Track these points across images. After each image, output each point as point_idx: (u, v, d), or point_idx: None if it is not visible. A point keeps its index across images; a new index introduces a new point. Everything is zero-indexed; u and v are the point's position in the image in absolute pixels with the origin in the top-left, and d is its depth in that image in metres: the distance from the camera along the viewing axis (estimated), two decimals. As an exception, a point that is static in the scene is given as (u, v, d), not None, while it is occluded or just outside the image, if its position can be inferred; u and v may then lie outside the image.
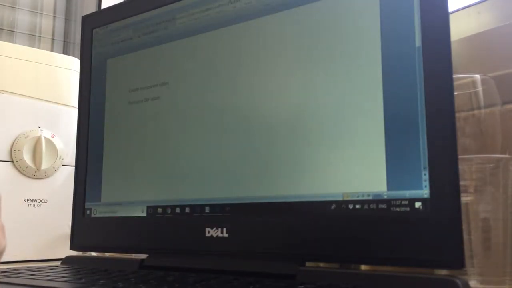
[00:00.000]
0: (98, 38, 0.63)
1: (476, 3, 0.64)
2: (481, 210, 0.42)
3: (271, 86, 0.48)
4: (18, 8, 1.28)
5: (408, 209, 0.39)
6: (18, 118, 0.78)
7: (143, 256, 0.53)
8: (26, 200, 0.76)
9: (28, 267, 0.55)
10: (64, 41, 1.34)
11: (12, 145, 0.76)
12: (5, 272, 0.50)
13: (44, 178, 0.79)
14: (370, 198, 0.41)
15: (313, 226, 0.43)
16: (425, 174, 0.38)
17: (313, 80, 0.45)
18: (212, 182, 0.50)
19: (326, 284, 0.39)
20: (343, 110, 0.43)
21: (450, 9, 0.40)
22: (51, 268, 0.54)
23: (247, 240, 0.46)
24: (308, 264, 0.43)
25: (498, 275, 0.42)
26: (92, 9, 1.33)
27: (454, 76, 0.38)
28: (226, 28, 0.52)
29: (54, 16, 1.33)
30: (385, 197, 0.40)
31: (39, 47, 1.28)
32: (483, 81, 0.45)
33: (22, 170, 0.76)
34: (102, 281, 0.43)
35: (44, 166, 0.77)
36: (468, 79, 0.46)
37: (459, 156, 0.37)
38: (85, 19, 0.65)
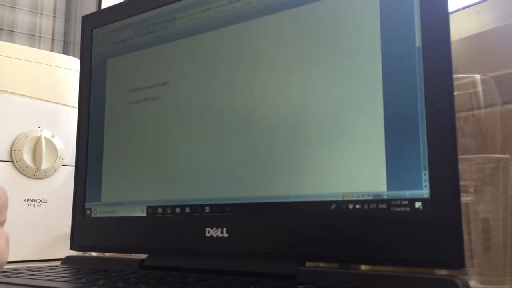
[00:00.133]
0: (98, 38, 0.63)
1: (476, 3, 0.64)
2: (481, 210, 0.42)
3: (271, 86, 0.48)
4: (18, 8, 1.28)
5: (408, 209, 0.39)
6: (18, 118, 0.78)
7: (143, 256, 0.53)
8: (26, 200, 0.76)
9: (28, 267, 0.55)
10: (64, 41, 1.34)
11: (12, 145, 0.76)
12: (5, 272, 0.50)
13: (44, 178, 0.79)
14: (370, 198, 0.41)
15: (313, 226, 0.43)
16: (425, 174, 0.38)
17: (313, 80, 0.45)
18: (212, 182, 0.50)
19: (326, 284, 0.39)
20: (343, 110, 0.43)
21: (450, 9, 0.40)
22: (51, 268, 0.54)
23: (247, 240, 0.46)
24: (308, 264, 0.43)
25: (498, 275, 0.42)
26: (92, 9, 1.33)
27: (454, 76, 0.38)
28: (226, 28, 0.52)
29: (54, 16, 1.33)
30: (385, 197, 0.40)
31: (39, 47, 1.28)
32: (483, 81, 0.45)
33: (22, 170, 0.76)
34: (102, 281, 0.43)
35: (44, 166, 0.77)
36: (468, 79, 0.46)
37: (459, 156, 0.37)
38: (85, 19, 0.65)
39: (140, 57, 0.59)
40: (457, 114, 0.40)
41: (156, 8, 0.58)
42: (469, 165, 0.43)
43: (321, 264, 0.47)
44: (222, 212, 0.49)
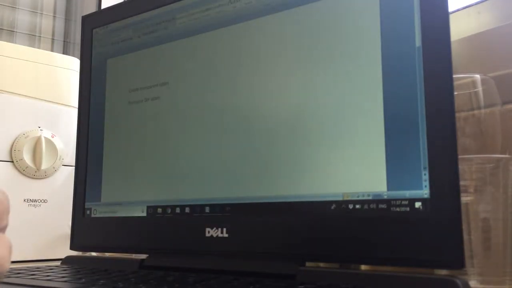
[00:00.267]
0: (98, 38, 0.63)
1: (476, 3, 0.64)
2: (481, 210, 0.42)
3: (271, 86, 0.48)
4: (18, 8, 1.28)
5: (408, 209, 0.39)
6: (18, 118, 0.78)
7: (143, 256, 0.53)
8: (26, 200, 0.76)
9: (28, 267, 0.55)
10: (64, 41, 1.34)
11: (12, 145, 0.76)
12: (5, 272, 0.50)
13: (44, 178, 0.79)
14: (370, 198, 0.41)
15: (313, 226, 0.43)
16: (425, 174, 0.38)
17: (313, 80, 0.45)
18: (212, 182, 0.50)
19: (326, 284, 0.39)
20: (343, 110, 0.43)
21: (450, 9, 0.40)
22: (51, 268, 0.54)
23: (247, 240, 0.46)
24: (308, 264, 0.43)
25: (498, 275, 0.42)
26: (92, 9, 1.33)
27: (454, 76, 0.38)
28: (226, 28, 0.52)
29: (54, 16, 1.33)
30: (385, 197, 0.40)
31: (39, 47, 1.28)
32: (483, 81, 0.45)
33: (22, 170, 0.76)
34: (102, 281, 0.43)
35: (44, 166, 0.77)
36: (468, 79, 0.46)
37: (459, 156, 0.37)
38: (85, 19, 0.65)
39: (140, 57, 0.59)
40: (457, 114, 0.40)
41: (156, 8, 0.58)
42: (469, 165, 0.43)
43: (321, 264, 0.47)
44: (222, 212, 0.49)
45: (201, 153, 0.51)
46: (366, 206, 0.41)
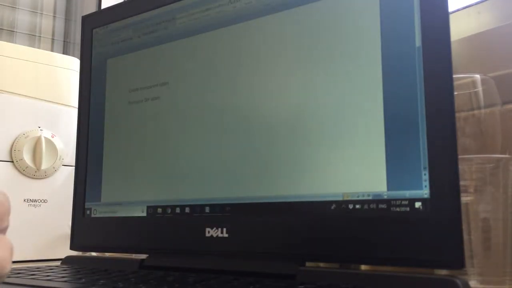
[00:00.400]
0: (98, 38, 0.63)
1: (476, 3, 0.64)
2: (481, 210, 0.42)
3: (271, 86, 0.48)
4: (18, 8, 1.28)
5: (408, 209, 0.39)
6: (18, 118, 0.78)
7: (143, 256, 0.53)
8: (26, 200, 0.77)
9: (28, 267, 0.55)
10: (64, 41, 1.34)
11: (12, 145, 0.76)
12: (5, 272, 0.50)
13: (44, 178, 0.79)
14: (370, 198, 0.41)
15: (313, 226, 0.43)
16: (425, 174, 0.38)
17: (313, 80, 0.45)
18: (212, 182, 0.50)
19: (326, 284, 0.39)
20: (343, 110, 0.43)
21: (450, 9, 0.40)
22: (51, 268, 0.54)
23: (247, 240, 0.46)
24: (308, 264, 0.43)
25: (498, 275, 0.42)
26: (92, 9, 1.33)
27: (454, 76, 0.38)
28: (226, 28, 0.52)
29: (54, 16, 1.33)
30: (385, 197, 0.40)
31: (39, 47, 1.28)
32: (483, 81, 0.45)
33: (22, 170, 0.76)
34: (102, 281, 0.43)
35: (44, 166, 0.77)
36: (468, 79, 0.46)
37: (459, 156, 0.37)
38: (85, 19, 0.65)
39: (140, 57, 0.59)
40: (457, 114, 0.40)
41: (156, 8, 0.58)
42: (469, 165, 0.43)
43: (321, 264, 0.47)
44: (222, 212, 0.49)
45: (201, 153, 0.51)
46: (366, 206, 0.41)
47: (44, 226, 0.77)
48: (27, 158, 0.76)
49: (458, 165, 0.37)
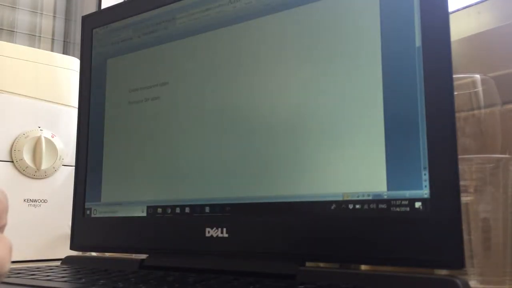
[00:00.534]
0: (98, 38, 0.63)
1: (476, 3, 0.64)
2: (481, 210, 0.42)
3: (271, 86, 0.48)
4: (18, 8, 1.28)
5: (408, 209, 0.39)
6: (18, 118, 0.78)
7: (143, 256, 0.53)
8: (26, 200, 0.76)
9: (28, 267, 0.55)
10: (64, 41, 1.34)
11: (12, 145, 0.76)
12: (5, 272, 0.50)
13: (44, 178, 0.79)
14: (370, 198, 0.41)
15: (313, 226, 0.43)
16: (425, 174, 0.38)
17: (313, 80, 0.45)
18: (212, 182, 0.50)
19: (326, 284, 0.39)
20: (343, 110, 0.43)
21: (450, 9, 0.40)
22: (51, 268, 0.54)
23: (247, 240, 0.46)
24: (308, 264, 0.43)
25: (498, 275, 0.42)
26: (92, 9, 1.33)
27: (454, 76, 0.38)
28: (226, 28, 0.52)
29: (54, 16, 1.33)
30: (385, 197, 0.40)
31: (39, 47, 1.28)
32: (483, 81, 0.45)
33: (22, 170, 0.76)
34: (102, 281, 0.43)
35: (44, 166, 0.77)
36: (468, 79, 0.46)
37: (459, 156, 0.37)
38: (85, 19, 0.65)
39: (140, 57, 0.59)
40: (457, 114, 0.40)
41: (156, 8, 0.58)
42: (469, 165, 0.43)
43: (321, 264, 0.47)
44: (222, 212, 0.49)
45: (201, 153, 0.51)
46: (366, 206, 0.41)
47: (44, 226, 0.77)
48: (27, 158, 0.76)
49: (458, 165, 0.37)
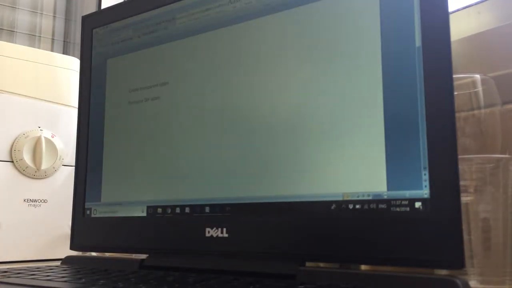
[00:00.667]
0: (98, 38, 0.63)
1: (476, 3, 0.64)
2: (481, 210, 0.42)
3: (271, 86, 0.48)
4: (18, 8, 1.28)
5: (408, 209, 0.39)
6: (18, 118, 0.78)
7: (143, 256, 0.53)
8: (26, 200, 0.76)
9: (28, 267, 0.55)
10: (64, 41, 1.34)
11: (12, 145, 0.76)
12: (5, 272, 0.50)
13: (44, 178, 0.79)
14: (370, 198, 0.41)
15: (313, 226, 0.43)
16: (425, 174, 0.38)
17: (313, 80, 0.45)
18: (212, 182, 0.50)
19: (326, 284, 0.39)
20: (343, 110, 0.43)
21: (450, 9, 0.40)
22: (51, 268, 0.54)
23: (247, 240, 0.46)
24: (308, 264, 0.43)
25: (498, 275, 0.42)
26: (92, 9, 1.33)
27: (454, 76, 0.38)
28: (226, 28, 0.52)
29: (54, 16, 1.33)
30: (385, 197, 0.40)
31: (39, 47, 1.28)
32: (483, 81, 0.45)
33: (22, 170, 0.76)
34: (102, 281, 0.43)
35: (44, 166, 0.77)
36: (468, 79, 0.46)
37: (459, 156, 0.37)
38: (85, 19, 0.65)
39: (140, 57, 0.59)
40: (457, 114, 0.40)
41: (156, 8, 0.58)
42: (469, 165, 0.43)
43: (321, 264, 0.47)
44: (222, 212, 0.49)
45: (201, 153, 0.51)
46: (366, 206, 0.41)
47: (44, 226, 0.77)
48: (27, 158, 0.76)
49: (458, 165, 0.37)
